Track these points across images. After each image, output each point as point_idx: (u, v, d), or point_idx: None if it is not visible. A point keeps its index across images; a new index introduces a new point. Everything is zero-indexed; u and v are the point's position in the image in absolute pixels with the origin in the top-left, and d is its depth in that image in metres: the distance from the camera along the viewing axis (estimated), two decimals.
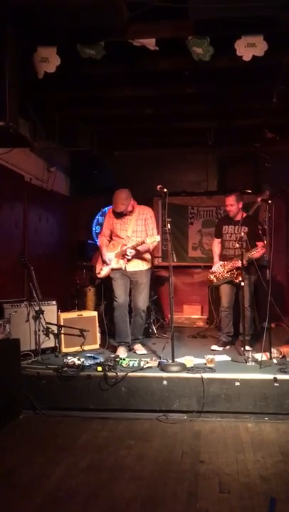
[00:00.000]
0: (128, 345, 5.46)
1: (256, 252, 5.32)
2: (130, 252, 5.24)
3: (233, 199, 5.57)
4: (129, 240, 5.36)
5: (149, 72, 5.04)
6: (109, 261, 5.39)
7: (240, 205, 5.61)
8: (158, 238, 5.15)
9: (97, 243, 5.65)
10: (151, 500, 2.91)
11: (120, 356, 5.05)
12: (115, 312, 5.41)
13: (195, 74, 5.02)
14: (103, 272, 5.51)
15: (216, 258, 5.80)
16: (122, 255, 5.33)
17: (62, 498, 2.95)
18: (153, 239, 5.11)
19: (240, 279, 5.29)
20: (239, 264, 5.31)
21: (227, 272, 5.56)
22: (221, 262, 5.67)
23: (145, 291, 5.46)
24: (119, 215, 5.39)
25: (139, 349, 5.54)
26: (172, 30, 4.17)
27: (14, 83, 4.16)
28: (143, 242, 5.19)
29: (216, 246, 5.85)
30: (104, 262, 5.48)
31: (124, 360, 4.77)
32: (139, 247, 5.23)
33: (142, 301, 5.44)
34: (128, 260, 5.34)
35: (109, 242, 5.54)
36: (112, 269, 5.42)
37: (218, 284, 5.73)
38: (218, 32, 4.10)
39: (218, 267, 5.66)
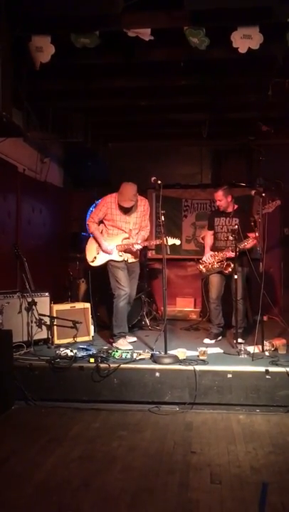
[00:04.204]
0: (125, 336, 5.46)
1: (248, 243, 5.32)
2: (138, 248, 5.33)
3: (221, 194, 5.57)
4: (131, 232, 5.37)
5: (143, 63, 5.00)
6: (111, 251, 5.35)
7: (229, 199, 5.60)
8: (178, 242, 5.32)
9: (89, 229, 5.56)
10: (142, 490, 2.92)
11: (123, 348, 5.06)
12: (120, 302, 5.32)
13: (190, 65, 4.99)
14: (98, 260, 5.45)
15: (207, 249, 5.82)
16: (127, 249, 5.34)
17: (53, 489, 2.96)
18: (173, 241, 5.24)
19: (230, 270, 5.30)
20: (230, 254, 5.33)
21: (217, 263, 5.57)
22: (212, 253, 5.69)
23: (137, 281, 5.66)
24: (121, 207, 5.35)
25: (128, 337, 5.60)
26: (168, 20, 4.13)
27: (8, 72, 4.13)
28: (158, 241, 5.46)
29: (209, 238, 5.86)
30: (103, 251, 5.39)
31: (116, 351, 4.78)
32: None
33: (135, 290, 5.66)
34: (133, 254, 5.42)
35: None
36: (113, 261, 5.39)
37: (206, 275, 5.74)
38: (213, 22, 4.08)
39: (208, 257, 5.68)
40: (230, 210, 5.62)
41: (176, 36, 4.18)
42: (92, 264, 5.53)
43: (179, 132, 7.67)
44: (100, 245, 5.43)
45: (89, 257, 5.54)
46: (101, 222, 5.49)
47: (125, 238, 5.37)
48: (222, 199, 5.57)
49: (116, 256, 5.37)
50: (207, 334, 5.86)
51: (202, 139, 7.10)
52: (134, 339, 5.69)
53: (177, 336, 6.21)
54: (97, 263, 5.48)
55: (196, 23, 4.07)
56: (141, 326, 6.68)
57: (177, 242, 5.29)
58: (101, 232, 5.47)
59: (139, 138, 7.96)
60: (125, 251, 5.37)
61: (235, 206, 5.66)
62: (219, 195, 5.58)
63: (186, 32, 4.08)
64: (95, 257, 5.48)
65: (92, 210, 8.07)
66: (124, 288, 5.32)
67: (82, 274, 7.23)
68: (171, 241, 5.23)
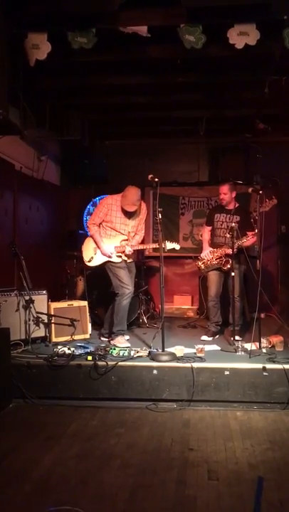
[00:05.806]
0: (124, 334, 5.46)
1: (247, 241, 5.33)
2: (129, 251, 5.32)
3: (227, 188, 5.58)
4: (130, 235, 5.39)
5: (141, 60, 5.01)
6: (111, 254, 5.35)
7: (234, 195, 5.62)
8: (177, 247, 5.43)
9: (89, 232, 5.55)
10: (140, 487, 2.93)
11: (121, 345, 5.06)
12: (124, 300, 5.31)
13: (187, 63, 4.99)
14: (95, 260, 5.44)
15: (206, 245, 5.83)
16: (123, 251, 5.34)
17: (51, 486, 2.96)
18: (172, 246, 5.31)
19: (228, 266, 5.32)
20: (228, 251, 5.34)
21: (216, 259, 5.59)
22: (210, 249, 5.70)
23: (133, 280, 5.66)
24: (123, 210, 5.32)
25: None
26: (164, 17, 4.14)
27: (4, 69, 4.11)
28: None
29: (207, 233, 5.87)
30: (102, 254, 5.38)
31: (114, 349, 4.78)
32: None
33: (133, 288, 5.61)
34: (128, 257, 5.44)
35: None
36: (111, 261, 5.38)
37: (205, 271, 5.75)
38: (210, 19, 4.08)
39: (207, 254, 5.70)
40: (231, 207, 5.63)
41: (173, 34, 4.17)
42: (89, 264, 5.52)
43: (176, 130, 7.67)
44: (100, 249, 5.40)
45: (86, 257, 5.53)
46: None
47: (124, 240, 5.37)
48: (227, 193, 5.58)
49: (114, 257, 5.37)
50: (205, 332, 5.88)
51: (199, 136, 7.11)
52: (127, 337, 5.65)
53: (175, 333, 6.22)
54: (94, 263, 5.47)
55: (193, 20, 4.07)
56: (138, 323, 6.68)
57: (177, 246, 5.35)
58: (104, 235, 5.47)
59: (137, 135, 7.96)
60: (123, 252, 5.37)
61: (237, 204, 5.67)
62: (225, 188, 5.59)
63: (182, 30, 4.08)
64: (92, 257, 5.46)
65: (89, 208, 8.14)
66: (128, 287, 5.32)
67: (79, 272, 7.23)
68: (170, 245, 5.28)
